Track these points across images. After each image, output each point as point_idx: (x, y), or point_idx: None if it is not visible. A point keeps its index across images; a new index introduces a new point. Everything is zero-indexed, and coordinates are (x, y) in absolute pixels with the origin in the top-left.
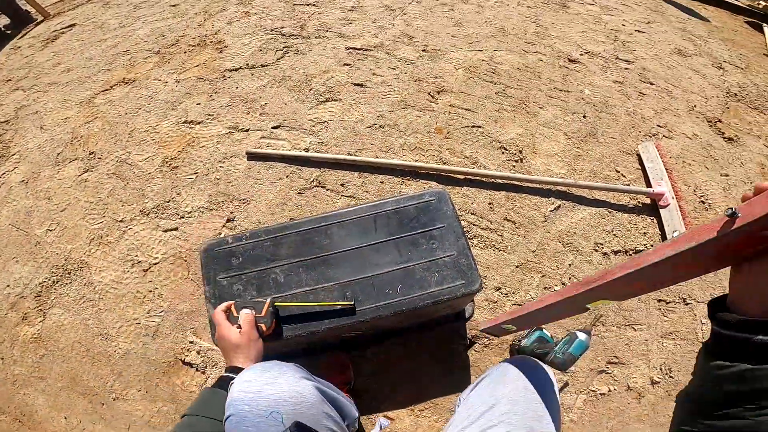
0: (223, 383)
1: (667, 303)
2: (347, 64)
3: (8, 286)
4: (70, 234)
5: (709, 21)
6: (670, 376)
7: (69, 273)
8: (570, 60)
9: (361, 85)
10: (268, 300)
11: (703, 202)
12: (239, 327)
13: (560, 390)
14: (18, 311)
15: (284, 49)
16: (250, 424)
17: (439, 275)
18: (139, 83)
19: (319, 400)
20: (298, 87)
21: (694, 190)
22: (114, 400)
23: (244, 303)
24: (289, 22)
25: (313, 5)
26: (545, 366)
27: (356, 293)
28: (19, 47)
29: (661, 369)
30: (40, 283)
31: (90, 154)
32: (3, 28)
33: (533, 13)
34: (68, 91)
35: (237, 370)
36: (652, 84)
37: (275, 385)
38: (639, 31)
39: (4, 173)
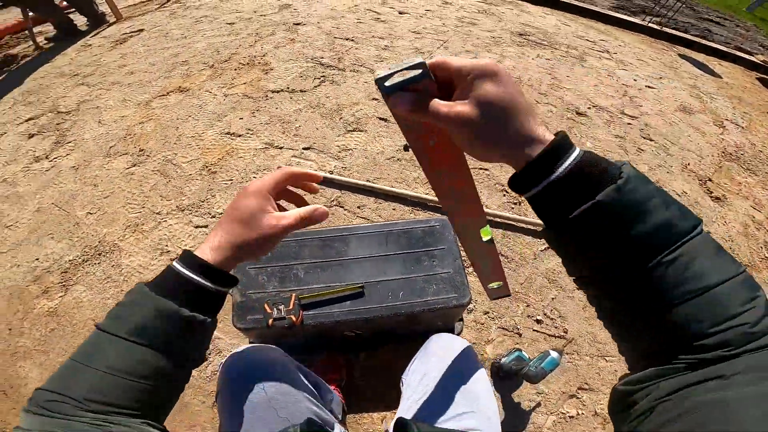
0: (166, 279)
1: None
2: (375, 99)
3: (37, 259)
4: (108, 219)
5: (721, 77)
6: None
7: (100, 254)
8: (578, 113)
9: (385, 120)
10: (293, 295)
11: None
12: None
13: (532, 409)
14: (41, 284)
15: (321, 78)
16: (236, 387)
17: (436, 287)
18: (192, 93)
19: (295, 371)
20: (330, 115)
21: None
22: None
23: (273, 300)
24: (328, 53)
25: (351, 40)
26: (456, 337)
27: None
28: (90, 45)
29: None
30: (69, 260)
31: (140, 151)
32: (86, 24)
33: (551, 65)
34: (129, 91)
35: (186, 256)
36: (651, 140)
37: (260, 354)
38: (649, 87)
39: (56, 157)
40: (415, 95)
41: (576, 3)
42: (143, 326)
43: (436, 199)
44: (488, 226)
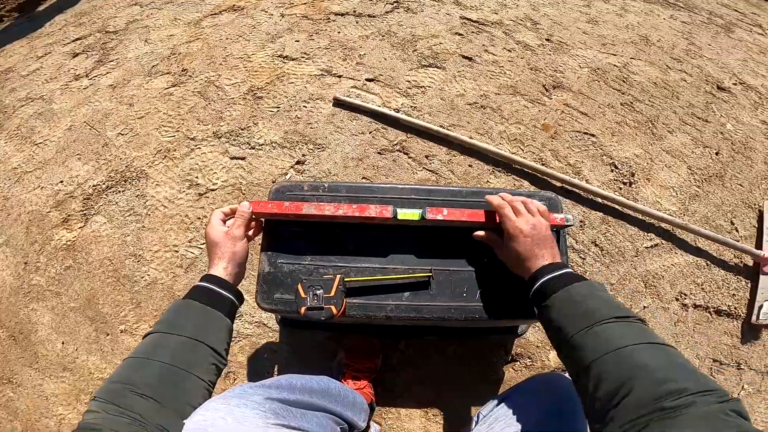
0: (196, 293)
1: (721, 364)
2: (459, 34)
3: (61, 182)
4: (139, 141)
5: None
6: None
7: (126, 180)
8: (719, 87)
9: (470, 59)
10: (338, 277)
11: None
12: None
13: None
14: (62, 211)
15: (395, 3)
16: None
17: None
18: (246, 12)
19: None
20: (402, 45)
21: None
22: (121, 332)
23: (310, 279)
24: None
25: None
26: (563, 376)
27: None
28: None
29: None
30: (94, 185)
31: (182, 70)
32: None
33: (687, 30)
34: (181, 11)
35: (211, 278)
36: None
37: None
38: None
39: (96, 75)
40: None
41: None
42: (191, 325)
43: (523, 160)
44: (405, 208)
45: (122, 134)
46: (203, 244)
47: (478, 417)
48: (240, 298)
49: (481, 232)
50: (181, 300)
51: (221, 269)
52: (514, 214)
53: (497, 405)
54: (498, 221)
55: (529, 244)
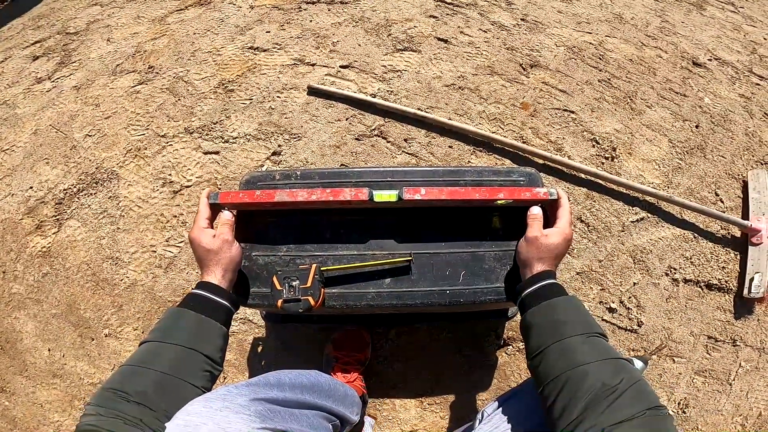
0: (191, 301)
1: (716, 341)
2: (434, 17)
3: (31, 188)
4: (108, 142)
5: None
6: (684, 412)
7: (97, 182)
8: (695, 63)
9: (445, 41)
10: (314, 266)
11: None
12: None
13: None
14: (34, 218)
15: None
16: None
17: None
18: (213, 5)
19: None
20: (376, 30)
21: None
22: (106, 336)
23: (285, 271)
24: None
25: None
26: None
27: (411, 271)
28: None
29: (679, 404)
30: (64, 189)
31: (149, 68)
32: None
33: (660, 8)
34: (144, 8)
35: (206, 285)
36: None
37: None
38: None
39: (58, 78)
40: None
41: None
42: (186, 334)
43: (504, 139)
44: (381, 190)
45: (90, 135)
46: (181, 242)
47: (482, 415)
48: (236, 304)
49: (539, 211)
50: (176, 308)
51: (218, 276)
52: None
53: (501, 405)
54: (555, 214)
55: (563, 248)
